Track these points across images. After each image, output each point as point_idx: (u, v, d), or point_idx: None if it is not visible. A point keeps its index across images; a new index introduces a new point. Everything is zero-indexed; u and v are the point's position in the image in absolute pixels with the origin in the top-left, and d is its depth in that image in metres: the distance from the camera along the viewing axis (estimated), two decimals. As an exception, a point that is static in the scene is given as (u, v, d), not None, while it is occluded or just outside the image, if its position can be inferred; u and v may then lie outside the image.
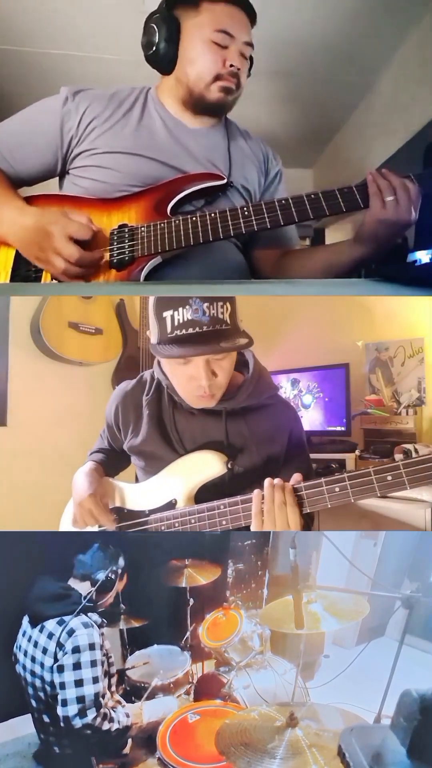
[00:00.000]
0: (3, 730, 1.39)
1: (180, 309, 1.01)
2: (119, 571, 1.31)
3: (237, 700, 1.35)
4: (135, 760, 1.22)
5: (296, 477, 1.01)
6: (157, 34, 1.29)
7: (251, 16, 1.31)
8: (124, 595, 1.62)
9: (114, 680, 1.32)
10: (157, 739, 1.21)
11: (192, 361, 1.05)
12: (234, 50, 1.27)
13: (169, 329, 1.02)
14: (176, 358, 1.05)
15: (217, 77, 1.27)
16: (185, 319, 1.01)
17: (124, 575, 1.34)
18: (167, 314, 1.02)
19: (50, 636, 1.18)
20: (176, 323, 1.02)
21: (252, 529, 1.03)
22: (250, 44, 1.30)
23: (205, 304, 1.01)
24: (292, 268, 1.37)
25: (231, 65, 1.26)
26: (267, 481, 1.01)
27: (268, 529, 1.00)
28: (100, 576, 1.26)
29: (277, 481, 1.00)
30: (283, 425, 1.19)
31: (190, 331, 1.01)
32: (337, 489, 0.97)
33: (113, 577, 1.29)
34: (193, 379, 1.07)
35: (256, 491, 1.01)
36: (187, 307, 1.01)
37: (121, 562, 1.31)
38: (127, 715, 1.24)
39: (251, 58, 1.35)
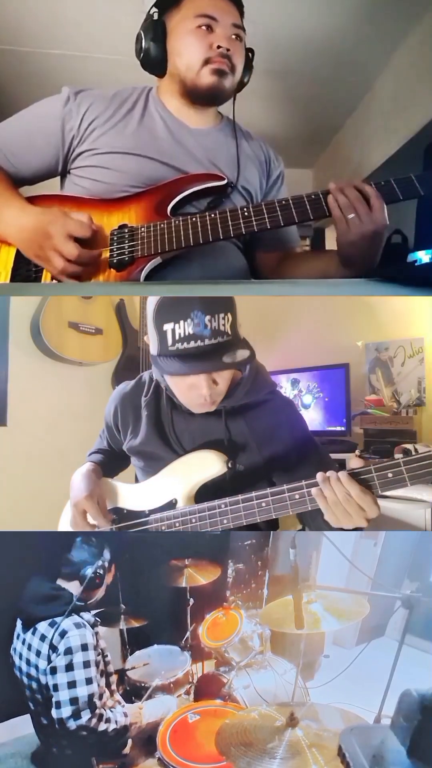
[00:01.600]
0: (3, 730, 1.39)
1: (181, 322, 1.00)
2: (106, 564, 1.29)
3: (237, 700, 1.35)
4: (135, 760, 1.22)
5: (355, 461, 0.98)
6: (143, 38, 1.32)
7: (237, 3, 1.31)
8: (124, 595, 1.62)
9: (113, 679, 1.32)
10: (157, 739, 1.21)
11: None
12: (220, 32, 1.26)
13: (170, 342, 1.01)
14: (178, 375, 1.05)
15: (207, 61, 1.26)
16: (186, 333, 1.00)
17: (112, 567, 1.32)
18: (168, 327, 1.01)
19: (43, 638, 1.17)
20: (177, 337, 1.01)
21: (330, 522, 0.98)
22: (239, 26, 1.29)
23: (207, 317, 1.00)
24: (290, 274, 1.37)
25: (219, 46, 1.25)
26: (319, 476, 0.96)
27: (347, 524, 0.96)
28: (88, 572, 1.25)
29: (330, 473, 0.96)
30: (283, 421, 1.18)
31: (192, 344, 1.00)
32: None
33: (101, 571, 1.27)
34: (193, 388, 1.07)
35: (315, 490, 0.97)
36: (189, 320, 1.00)
37: (107, 554, 1.29)
38: (125, 715, 1.24)
39: (252, 51, 1.35)
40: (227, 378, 1.10)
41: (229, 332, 1.03)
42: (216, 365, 1.02)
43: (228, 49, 1.26)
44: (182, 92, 1.32)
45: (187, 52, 1.27)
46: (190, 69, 1.28)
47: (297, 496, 1.00)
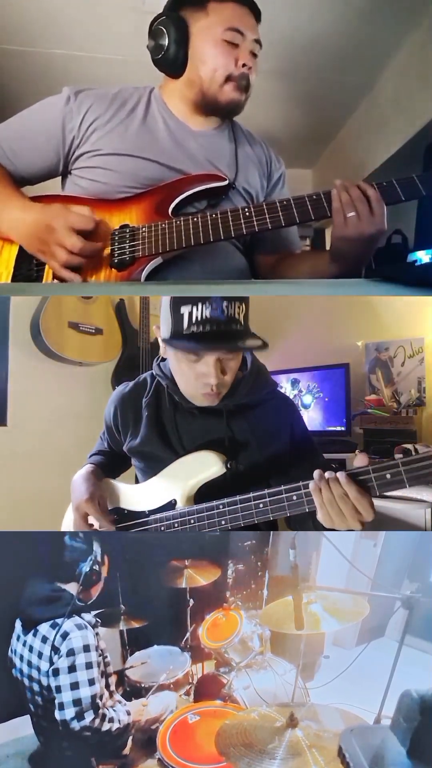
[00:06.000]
0: (2, 731, 1.39)
1: (199, 305, 1.02)
2: (98, 557, 1.27)
3: (237, 701, 1.35)
4: (135, 760, 1.22)
5: (360, 460, 0.96)
6: (165, 36, 1.28)
7: (257, 14, 1.31)
8: (124, 595, 1.62)
9: (112, 680, 1.32)
10: (157, 740, 1.21)
11: (203, 359, 1.06)
12: (245, 49, 1.26)
13: (185, 325, 1.03)
14: (192, 352, 1.05)
15: (230, 78, 1.26)
16: (204, 317, 1.02)
17: (105, 559, 1.30)
18: (185, 309, 1.02)
19: (44, 640, 1.17)
20: (194, 319, 1.02)
21: (323, 522, 0.97)
22: (258, 42, 1.30)
23: (225, 303, 1.02)
24: (286, 274, 1.37)
25: (243, 65, 1.26)
26: (316, 474, 0.95)
27: (340, 526, 0.95)
28: (84, 568, 1.24)
29: (329, 473, 0.94)
30: (283, 421, 1.19)
31: (208, 328, 1.02)
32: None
33: (96, 566, 1.26)
34: (201, 377, 1.08)
35: (312, 484, 0.96)
36: (207, 303, 1.01)
37: (97, 547, 1.27)
38: (128, 713, 1.24)
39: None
40: (234, 370, 1.11)
41: (242, 322, 1.05)
42: (230, 347, 1.05)
43: (250, 68, 1.27)
44: (197, 101, 1.31)
45: (214, 63, 1.26)
46: (214, 81, 1.27)
47: (294, 497, 0.99)
